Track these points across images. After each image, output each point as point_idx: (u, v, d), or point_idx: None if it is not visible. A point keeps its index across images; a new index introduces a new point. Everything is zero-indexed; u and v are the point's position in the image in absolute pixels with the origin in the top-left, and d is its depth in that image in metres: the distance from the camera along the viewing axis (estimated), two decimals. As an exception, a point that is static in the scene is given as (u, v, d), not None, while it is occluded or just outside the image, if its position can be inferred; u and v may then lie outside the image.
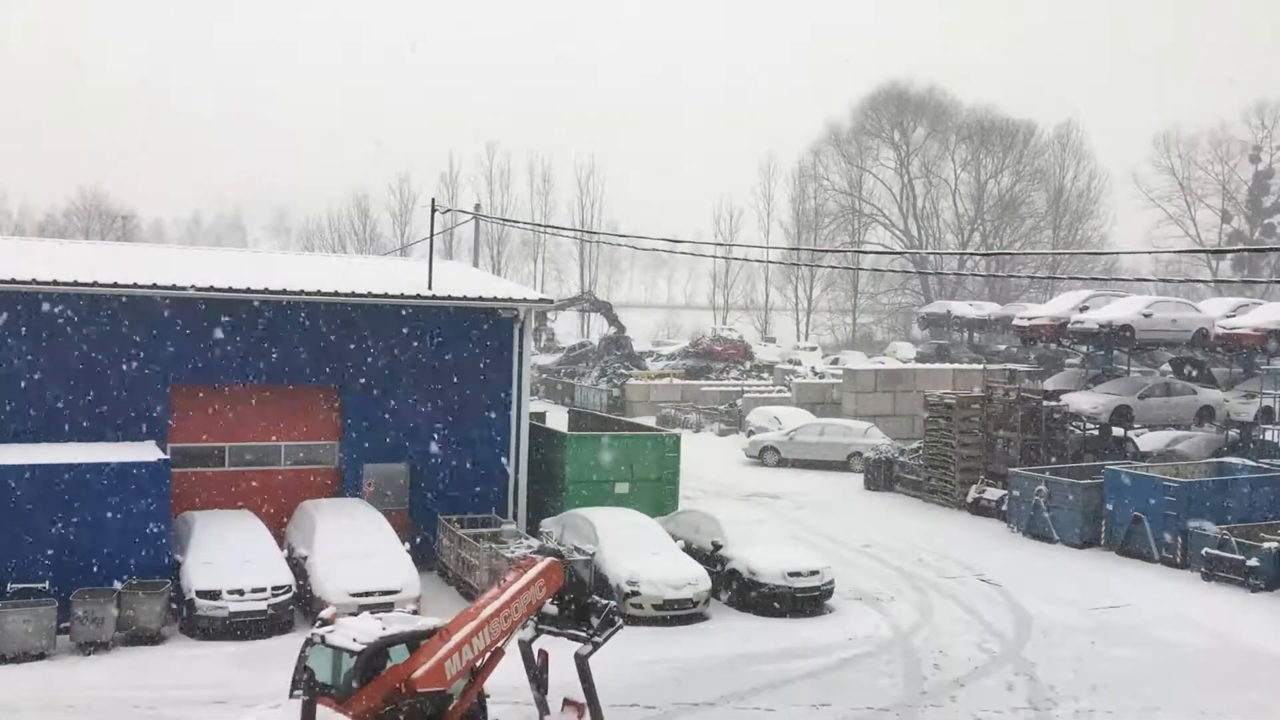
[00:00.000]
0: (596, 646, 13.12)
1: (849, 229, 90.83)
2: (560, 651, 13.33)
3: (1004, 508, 30.46)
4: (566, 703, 13.36)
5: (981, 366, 47.91)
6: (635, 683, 17.16)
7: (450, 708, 11.96)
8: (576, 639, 13.17)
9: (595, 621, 13.19)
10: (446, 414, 24.03)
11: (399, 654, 11.72)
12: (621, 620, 13.57)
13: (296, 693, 11.49)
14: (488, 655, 12.27)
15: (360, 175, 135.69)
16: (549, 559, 13.20)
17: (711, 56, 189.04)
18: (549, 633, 13.38)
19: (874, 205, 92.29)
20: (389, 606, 19.27)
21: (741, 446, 42.85)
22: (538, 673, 13.18)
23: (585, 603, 13.41)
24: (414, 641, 11.84)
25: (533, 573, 12.86)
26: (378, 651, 11.56)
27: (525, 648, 13.26)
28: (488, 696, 12.80)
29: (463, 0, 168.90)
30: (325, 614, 12.28)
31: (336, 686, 11.44)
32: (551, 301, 27.87)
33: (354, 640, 11.58)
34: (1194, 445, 36.23)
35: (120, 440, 21.26)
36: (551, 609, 13.28)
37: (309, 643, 11.99)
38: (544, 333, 70.68)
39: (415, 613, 13.99)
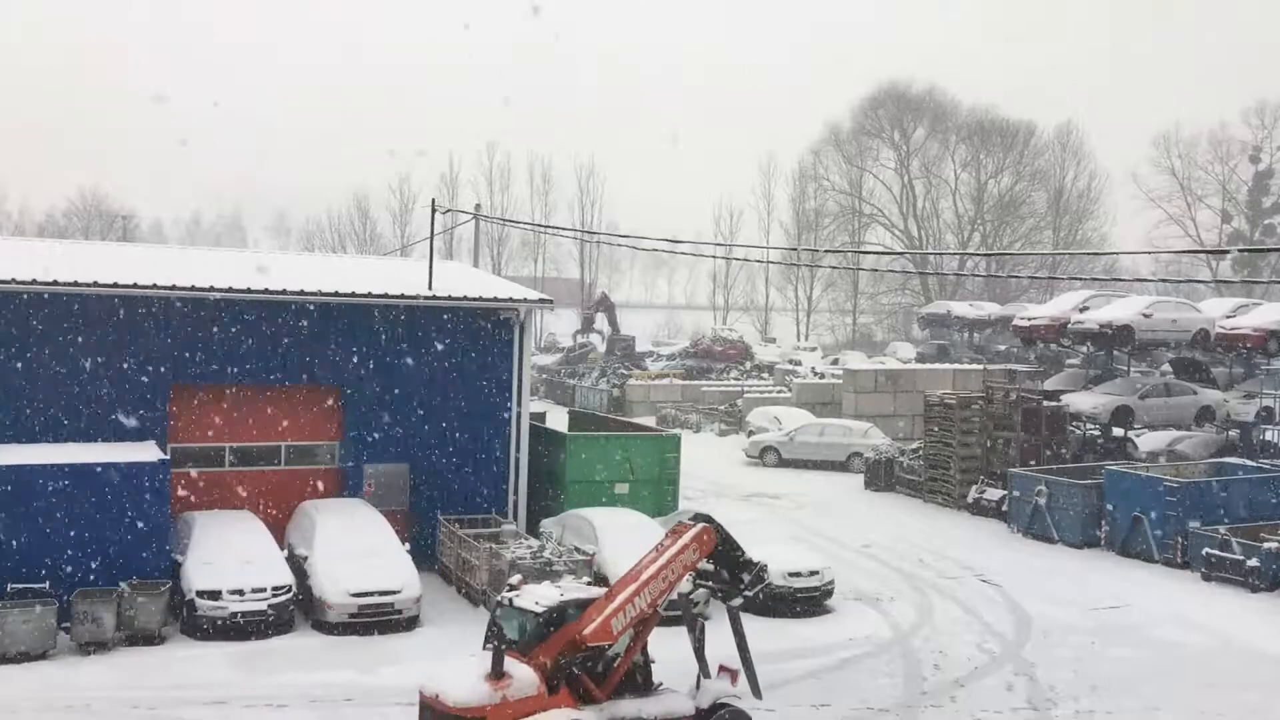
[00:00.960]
0: (747, 599, 14.87)
1: (849, 229, 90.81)
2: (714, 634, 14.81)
3: (1004, 508, 30.46)
4: (722, 668, 14.62)
5: (982, 367, 47.93)
6: (635, 683, 17.18)
7: (617, 663, 13.60)
8: (730, 593, 14.72)
9: (747, 578, 14.81)
10: (447, 414, 24.03)
11: (573, 616, 13.44)
12: (769, 578, 15.62)
13: (488, 645, 13.38)
14: (649, 614, 13.78)
15: (360, 175, 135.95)
16: (701, 524, 14.56)
17: (711, 56, 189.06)
18: (705, 587, 14.80)
19: (874, 205, 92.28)
20: (389, 607, 19.33)
21: (741, 447, 42.85)
22: (697, 637, 14.67)
23: (739, 561, 14.85)
24: (586, 607, 13.49)
25: (687, 537, 14.29)
26: (555, 614, 13.39)
27: (684, 601, 14.69)
28: (653, 661, 14.34)
29: (463, 0, 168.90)
30: (513, 580, 14.47)
31: (521, 642, 13.45)
32: (551, 302, 27.87)
33: (536, 604, 13.53)
34: (1194, 445, 36.23)
35: (120, 440, 21.25)
36: (707, 567, 14.67)
37: (499, 605, 14.08)
38: (597, 334, 69.52)
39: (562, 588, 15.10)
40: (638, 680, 13.94)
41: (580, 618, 13.29)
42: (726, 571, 14.77)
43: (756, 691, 14.49)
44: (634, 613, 13.45)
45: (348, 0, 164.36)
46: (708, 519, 14.79)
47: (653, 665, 14.28)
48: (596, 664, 13.41)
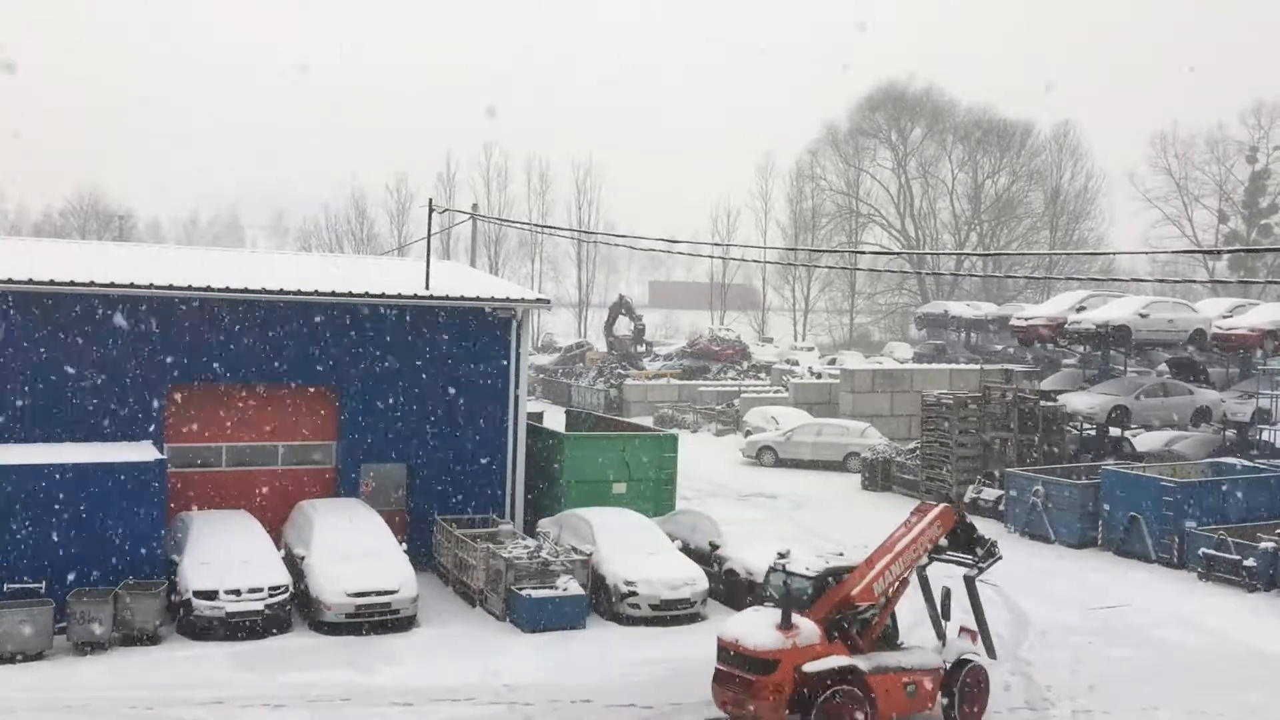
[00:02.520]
0: (981, 571, 16.92)
1: (846, 229, 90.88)
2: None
3: (1001, 508, 30.45)
4: (962, 629, 16.59)
5: (979, 367, 47.96)
6: (633, 682, 17.18)
7: (875, 620, 15.66)
8: (964, 565, 16.79)
9: (980, 552, 16.82)
10: (444, 414, 24.01)
11: (833, 581, 15.75)
12: (1001, 554, 17.09)
13: (765, 603, 16.05)
14: (900, 581, 15.92)
15: (358, 175, 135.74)
16: (943, 505, 16.97)
17: (709, 56, 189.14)
18: (941, 560, 16.76)
19: (871, 205, 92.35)
20: (386, 606, 19.33)
21: (739, 447, 42.84)
22: (941, 601, 16.50)
23: (973, 537, 16.87)
24: (845, 573, 15.78)
25: (932, 514, 16.52)
26: (825, 577, 15.71)
27: (922, 574, 16.77)
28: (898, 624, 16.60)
29: (462, 1, 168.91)
30: (781, 550, 16.77)
31: (797, 601, 15.53)
32: (548, 302, 27.87)
33: (806, 569, 15.90)
34: (1191, 445, 36.26)
35: (117, 440, 21.22)
36: (943, 542, 16.70)
37: (772, 570, 16.36)
38: (627, 335, 67.40)
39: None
40: (888, 638, 16.11)
41: (845, 581, 15.58)
42: (962, 546, 16.87)
43: (991, 652, 16.78)
44: (890, 578, 15.68)
45: (346, 0, 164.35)
46: (948, 500, 17.53)
47: (899, 625, 16.61)
48: (853, 622, 15.53)
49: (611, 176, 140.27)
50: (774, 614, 15.22)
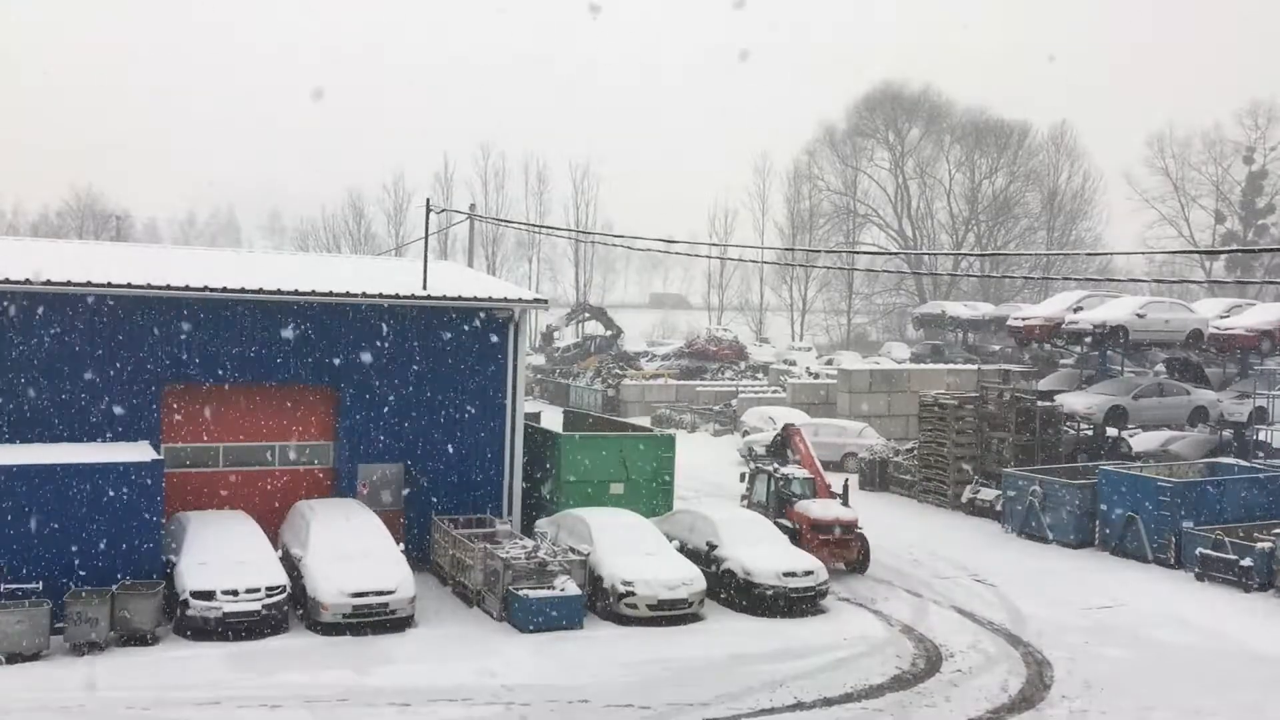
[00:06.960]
0: (780, 469, 26.42)
1: (844, 229, 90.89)
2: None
3: (998, 508, 30.48)
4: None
5: (976, 367, 47.96)
6: (630, 683, 17.19)
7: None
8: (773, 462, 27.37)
9: (779, 460, 27.56)
10: (441, 414, 24.02)
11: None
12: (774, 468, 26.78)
13: (835, 495, 26.07)
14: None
15: (355, 175, 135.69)
16: (791, 425, 28.93)
17: (706, 56, 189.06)
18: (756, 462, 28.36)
19: (869, 206, 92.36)
20: (383, 607, 19.32)
21: (736, 447, 42.83)
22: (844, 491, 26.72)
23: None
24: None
25: (800, 434, 27.97)
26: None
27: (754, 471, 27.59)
28: None
29: (460, 1, 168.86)
30: (770, 465, 26.86)
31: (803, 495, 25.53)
32: (546, 302, 27.85)
33: (797, 473, 26.06)
34: (1188, 446, 36.27)
35: (114, 440, 21.22)
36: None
37: (786, 477, 25.75)
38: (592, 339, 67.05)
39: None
40: None
41: (818, 479, 26.03)
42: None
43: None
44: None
45: (342, 1, 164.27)
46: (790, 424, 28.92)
47: None
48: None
49: (609, 177, 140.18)
50: (831, 501, 25.21)
